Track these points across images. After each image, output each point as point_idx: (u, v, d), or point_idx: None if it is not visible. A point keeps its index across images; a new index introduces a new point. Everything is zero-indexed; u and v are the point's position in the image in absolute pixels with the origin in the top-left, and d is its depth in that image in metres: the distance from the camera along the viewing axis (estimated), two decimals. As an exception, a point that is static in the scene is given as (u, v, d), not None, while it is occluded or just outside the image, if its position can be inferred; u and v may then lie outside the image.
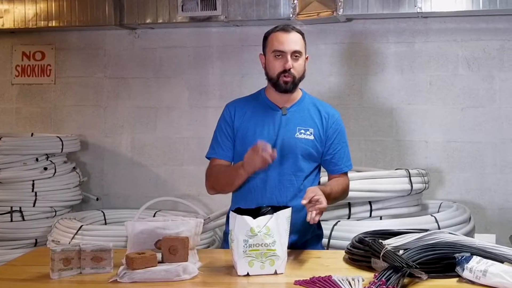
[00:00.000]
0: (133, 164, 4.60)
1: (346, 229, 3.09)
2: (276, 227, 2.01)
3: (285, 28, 2.43)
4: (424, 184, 3.46)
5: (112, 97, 4.64)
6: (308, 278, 1.88)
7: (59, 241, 3.64)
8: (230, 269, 2.07)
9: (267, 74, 2.47)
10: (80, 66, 4.68)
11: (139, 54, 4.58)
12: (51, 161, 4.25)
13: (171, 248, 2.05)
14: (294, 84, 2.41)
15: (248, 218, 1.99)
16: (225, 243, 2.52)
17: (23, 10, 4.50)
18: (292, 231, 2.38)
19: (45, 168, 4.18)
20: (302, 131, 2.43)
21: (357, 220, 3.28)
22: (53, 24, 4.45)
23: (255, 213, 2.10)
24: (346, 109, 4.18)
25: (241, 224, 1.98)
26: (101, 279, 1.97)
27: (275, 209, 2.09)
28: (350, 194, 3.13)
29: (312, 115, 2.47)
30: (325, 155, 2.48)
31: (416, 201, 3.50)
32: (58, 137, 4.32)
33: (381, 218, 3.32)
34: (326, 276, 1.87)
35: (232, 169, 2.45)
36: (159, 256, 2.05)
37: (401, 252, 1.91)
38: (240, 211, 2.07)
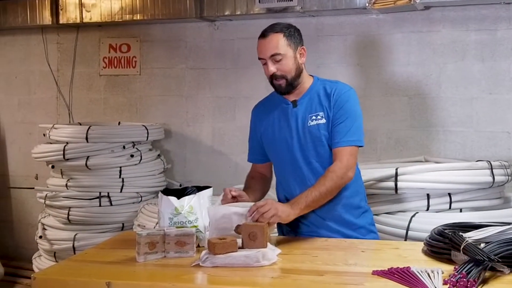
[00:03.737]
0: (214, 152, 4.69)
1: (424, 221, 3.06)
2: (198, 206, 2.28)
3: (263, 33, 2.44)
4: (507, 177, 3.34)
5: (193, 87, 4.74)
6: (386, 269, 1.88)
7: (144, 226, 3.73)
8: (308, 256, 2.12)
9: None
10: (163, 58, 4.81)
11: (218, 45, 4.66)
12: (137, 148, 4.35)
13: (251, 234, 2.10)
14: (288, 85, 2.44)
15: (172, 198, 2.25)
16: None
17: (109, 4, 4.65)
18: (331, 219, 2.47)
19: (132, 156, 4.29)
20: (313, 117, 2.45)
21: (436, 212, 3.23)
22: (138, 18, 4.58)
23: (181, 192, 2.36)
24: (423, 99, 4.11)
25: (167, 204, 2.25)
26: (185, 263, 2.04)
27: (199, 188, 2.37)
28: (429, 185, 3.14)
29: (321, 99, 2.47)
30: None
31: (498, 194, 3.40)
32: (143, 125, 4.42)
33: (461, 211, 3.24)
34: (404, 267, 1.86)
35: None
36: (239, 241, 2.10)
37: (482, 245, 1.89)
38: (166, 192, 2.34)
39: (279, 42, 2.40)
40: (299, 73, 2.46)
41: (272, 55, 2.40)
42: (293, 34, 2.45)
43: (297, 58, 2.45)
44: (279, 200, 2.61)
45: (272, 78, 2.44)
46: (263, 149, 2.65)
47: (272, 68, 2.40)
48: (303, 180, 2.47)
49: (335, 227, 2.48)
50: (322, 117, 2.44)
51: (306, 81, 2.52)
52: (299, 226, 2.52)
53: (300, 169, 2.47)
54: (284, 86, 2.44)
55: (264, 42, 2.42)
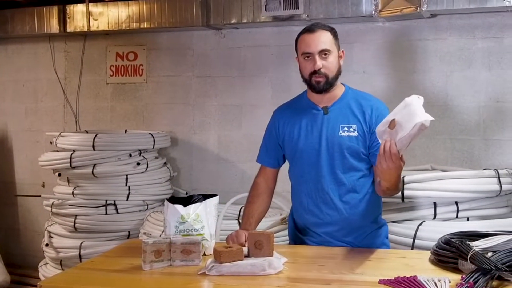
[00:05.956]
0: (220, 160, 4.70)
1: (431, 229, 3.04)
2: (204, 213, 2.25)
3: (311, 28, 2.43)
4: (514, 185, 3.34)
5: (199, 95, 4.75)
6: (393, 278, 1.87)
7: (150, 234, 3.74)
8: (315, 265, 2.11)
9: (302, 76, 2.49)
10: (170, 66, 4.83)
11: (224, 53, 4.67)
12: (143, 156, 4.36)
13: (257, 243, 2.11)
14: (327, 84, 2.41)
15: (178, 206, 2.23)
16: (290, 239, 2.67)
17: (117, 13, 4.68)
18: (347, 231, 2.46)
19: (138, 163, 4.29)
20: (345, 128, 2.43)
21: (443, 220, 3.22)
22: (145, 26, 4.61)
23: (187, 200, 2.33)
24: (430, 107, 4.02)
25: (173, 212, 2.23)
26: (190, 271, 2.05)
27: (205, 197, 2.34)
28: (436, 194, 3.13)
29: (354, 111, 2.45)
30: (370, 148, 2.42)
31: (505, 203, 3.37)
32: (150, 133, 4.43)
33: (468, 219, 3.23)
34: (411, 276, 1.87)
35: (244, 219, 2.58)
36: (245, 250, 2.11)
37: (489, 254, 1.88)
38: (173, 200, 2.30)
39: (328, 39, 2.41)
40: (338, 74, 2.45)
41: (322, 50, 2.38)
42: (336, 35, 2.46)
43: (339, 59, 2.46)
44: (295, 206, 2.59)
45: (312, 75, 2.41)
46: (278, 152, 2.62)
47: (320, 63, 2.38)
48: (324, 188, 2.45)
49: (351, 240, 2.48)
50: (354, 130, 2.42)
51: (338, 87, 2.50)
52: (314, 236, 2.52)
53: (324, 178, 2.44)
54: (322, 84, 2.41)
55: (314, 37, 2.40)
